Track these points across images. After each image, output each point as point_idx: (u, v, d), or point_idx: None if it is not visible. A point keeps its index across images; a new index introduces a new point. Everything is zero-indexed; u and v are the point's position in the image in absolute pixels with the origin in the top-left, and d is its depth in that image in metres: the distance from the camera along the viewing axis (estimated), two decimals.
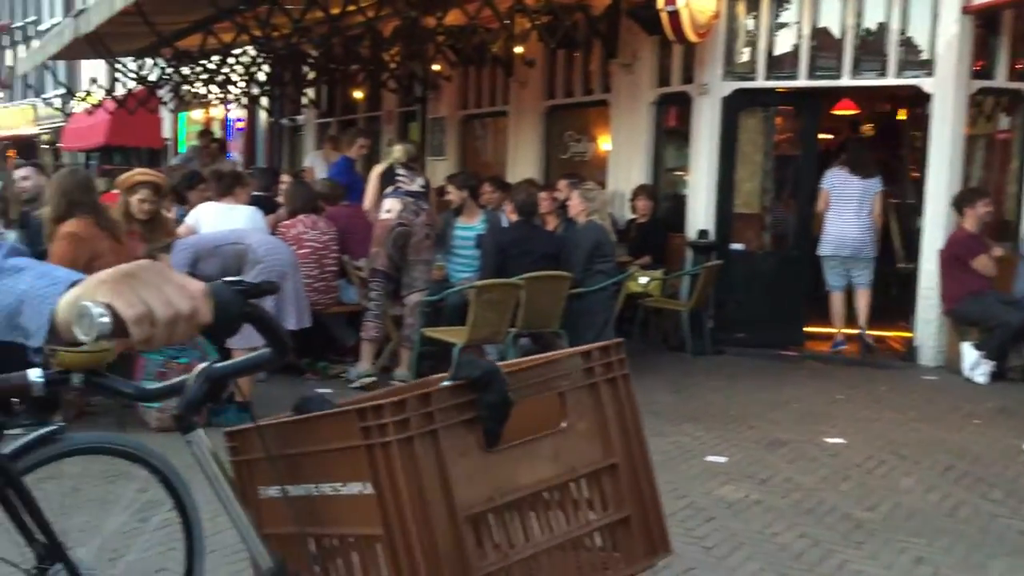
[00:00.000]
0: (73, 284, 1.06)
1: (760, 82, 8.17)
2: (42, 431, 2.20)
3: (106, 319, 1.00)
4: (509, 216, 7.46)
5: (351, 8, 8.52)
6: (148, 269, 1.07)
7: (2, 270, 1.06)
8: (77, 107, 18.55)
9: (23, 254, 1.10)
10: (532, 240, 6.78)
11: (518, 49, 9.54)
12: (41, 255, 3.91)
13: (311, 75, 12.59)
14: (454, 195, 7.35)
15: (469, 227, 7.31)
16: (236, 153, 17.00)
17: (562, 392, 1.69)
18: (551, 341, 6.73)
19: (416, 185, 6.67)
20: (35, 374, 1.57)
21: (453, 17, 9.12)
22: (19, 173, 6.74)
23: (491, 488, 1.55)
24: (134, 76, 13.30)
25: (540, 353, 7.03)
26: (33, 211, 6.65)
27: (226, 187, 6.60)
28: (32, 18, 30.13)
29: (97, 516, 3.22)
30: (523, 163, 10.38)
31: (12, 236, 5.95)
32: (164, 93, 14.13)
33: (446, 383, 1.59)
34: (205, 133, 15.10)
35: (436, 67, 10.69)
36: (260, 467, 1.66)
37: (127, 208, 5.73)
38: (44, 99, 24.97)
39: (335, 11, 8.52)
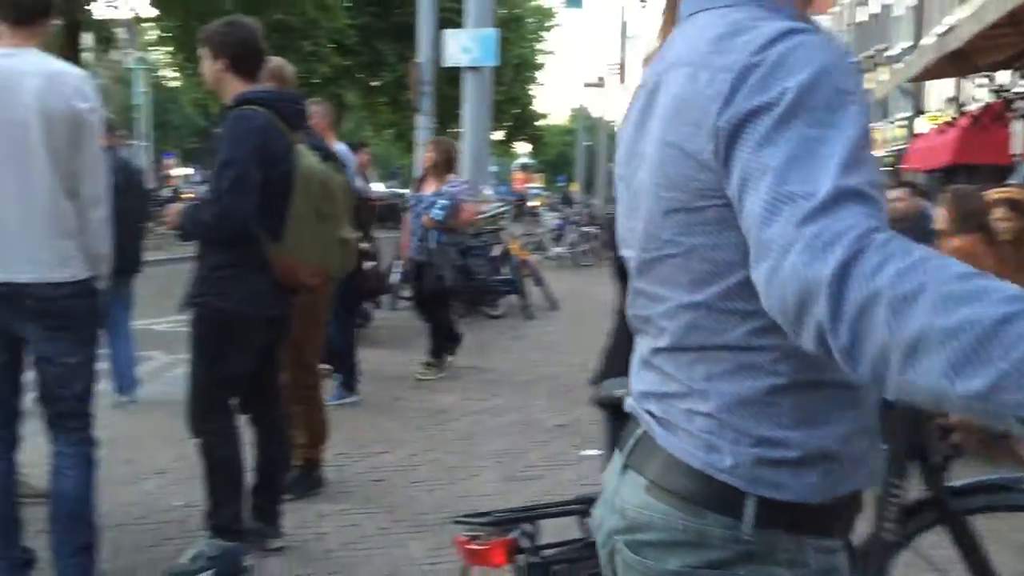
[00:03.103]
0: None
1: None
2: (1001, 477, 2.09)
3: None
4: None
5: None
6: None
7: None
8: (922, 127, 18.71)
9: None
10: None
11: None
12: None
13: None
14: None
15: None
16: None
17: None
18: None
19: None
20: None
21: None
22: (892, 194, 6.82)
23: None
24: (994, 89, 12.76)
25: None
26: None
27: None
28: (882, 45, 31.38)
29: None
30: None
31: None
32: (1020, 105, 13.26)
33: None
34: None
35: None
36: None
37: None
38: (890, 121, 25.82)
39: None
